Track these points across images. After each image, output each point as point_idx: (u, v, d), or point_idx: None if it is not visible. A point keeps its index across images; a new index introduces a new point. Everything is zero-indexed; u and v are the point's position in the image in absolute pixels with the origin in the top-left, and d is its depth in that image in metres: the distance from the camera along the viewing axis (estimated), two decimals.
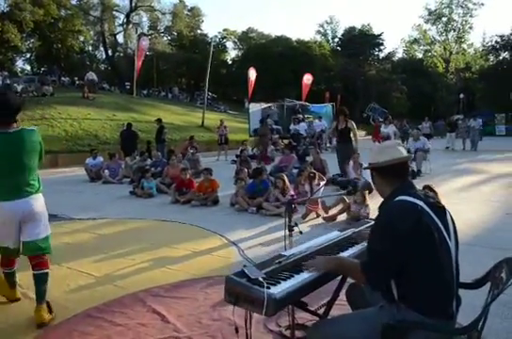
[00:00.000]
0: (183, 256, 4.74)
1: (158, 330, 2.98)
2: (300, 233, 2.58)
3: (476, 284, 2.09)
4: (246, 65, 28.70)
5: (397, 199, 1.90)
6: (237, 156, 13.82)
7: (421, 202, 1.86)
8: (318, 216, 6.56)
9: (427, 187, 5.50)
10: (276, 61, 39.41)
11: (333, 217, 6.23)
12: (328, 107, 25.18)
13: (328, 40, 52.25)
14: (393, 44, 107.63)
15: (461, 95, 37.29)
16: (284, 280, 1.99)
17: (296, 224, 2.58)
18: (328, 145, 20.85)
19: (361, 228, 2.82)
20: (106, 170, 11.00)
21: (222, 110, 35.07)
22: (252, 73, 23.05)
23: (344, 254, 2.36)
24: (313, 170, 7.07)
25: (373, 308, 2.00)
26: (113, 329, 3.01)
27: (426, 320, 1.80)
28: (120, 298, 3.55)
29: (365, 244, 2.51)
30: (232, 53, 52.92)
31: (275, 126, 22.02)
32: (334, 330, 1.94)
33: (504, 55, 41.43)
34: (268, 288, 1.86)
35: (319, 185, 6.75)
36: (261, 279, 1.92)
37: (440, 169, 11.91)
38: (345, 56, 45.25)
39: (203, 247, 5.11)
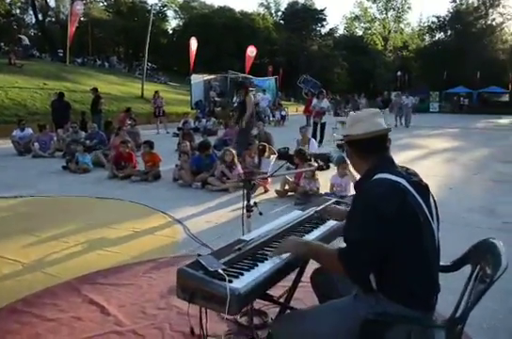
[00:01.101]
0: (123, 237, 4.33)
1: (97, 325, 2.60)
2: (260, 214, 2.28)
3: (454, 267, 1.90)
4: (187, 35, 27.56)
5: (377, 177, 1.64)
6: (179, 129, 13.27)
7: (403, 181, 1.63)
8: (266, 191, 6.34)
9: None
10: (218, 32, 38.28)
11: (287, 192, 6.03)
12: (271, 81, 24.85)
13: (271, 14, 51.50)
14: (336, 21, 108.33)
15: (399, 73, 38.32)
16: (247, 270, 1.70)
17: (256, 204, 2.27)
18: (271, 119, 20.74)
19: (323, 206, 2.57)
20: (36, 143, 10.06)
21: (163, 81, 33.71)
22: (193, 44, 22.10)
23: (310, 237, 2.12)
24: (264, 143, 6.76)
25: (346, 298, 1.77)
26: (43, 325, 2.60)
27: (409, 312, 1.60)
28: (51, 287, 3.12)
29: (330, 224, 2.29)
30: (172, 22, 50.78)
31: (217, 99, 21.51)
32: (303, 325, 1.70)
33: (440, 35, 42.90)
34: (230, 282, 1.56)
35: (269, 158, 6.51)
36: (220, 271, 1.62)
37: None
38: (289, 30, 44.87)
39: (145, 226, 4.71)
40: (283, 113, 20.67)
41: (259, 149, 6.65)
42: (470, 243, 1.86)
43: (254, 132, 9.76)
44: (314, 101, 11.82)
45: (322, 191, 5.82)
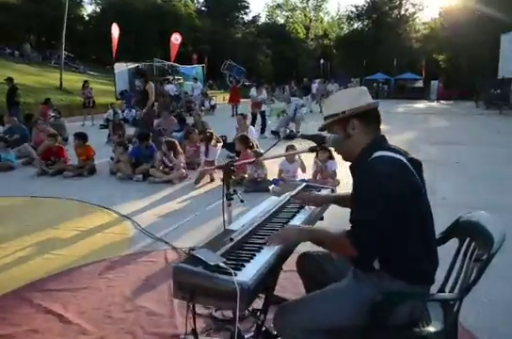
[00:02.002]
0: (68, 238, 3.99)
1: (59, 336, 2.34)
2: (241, 201, 2.16)
3: (440, 241, 1.92)
4: (105, 22, 26.17)
5: (378, 155, 1.60)
6: (108, 121, 12.61)
7: (403, 158, 1.61)
8: (212, 180, 6.19)
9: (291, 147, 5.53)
10: (139, 19, 36.72)
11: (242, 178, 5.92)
12: (198, 69, 24.41)
13: (192, 0, 50.35)
14: (258, 8, 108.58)
15: (322, 61, 39.33)
16: (247, 261, 1.59)
17: (236, 192, 2.15)
18: (202, 108, 20.39)
19: (297, 190, 2.52)
20: None
21: (82, 71, 31.90)
22: (115, 30, 20.99)
23: (295, 222, 2.04)
24: (210, 130, 6.58)
25: (346, 280, 1.74)
26: None
27: (412, 289, 1.62)
28: None
29: (311, 208, 2.23)
30: (88, 8, 47.89)
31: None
32: (307, 313, 1.64)
33: (358, 24, 44.55)
34: (235, 275, 1.44)
35: (216, 146, 6.35)
36: (222, 264, 1.49)
37: (313, 130, 12.26)
38: (212, 17, 44.20)
39: (90, 224, 4.39)
40: (212, 102, 20.40)
41: (205, 137, 6.46)
42: None
43: (191, 121, 9.56)
44: (253, 92, 11.70)
45: (270, 178, 5.79)
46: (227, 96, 19.76)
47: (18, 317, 2.54)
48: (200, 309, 2.61)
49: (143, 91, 7.97)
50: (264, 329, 2.13)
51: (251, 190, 5.53)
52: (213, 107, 19.80)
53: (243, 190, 5.56)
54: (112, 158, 7.39)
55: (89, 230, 4.21)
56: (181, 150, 6.52)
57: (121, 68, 20.72)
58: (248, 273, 1.49)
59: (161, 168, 6.31)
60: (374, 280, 1.64)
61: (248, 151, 5.99)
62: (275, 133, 11.20)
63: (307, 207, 2.27)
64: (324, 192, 2.55)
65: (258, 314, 2.16)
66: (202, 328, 2.37)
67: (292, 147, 5.53)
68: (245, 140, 6.08)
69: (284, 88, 20.04)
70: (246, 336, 2.26)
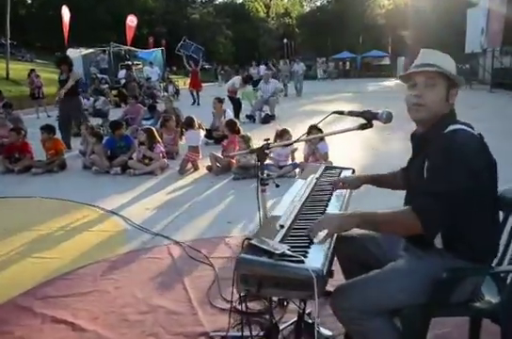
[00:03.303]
0: (54, 239, 3.79)
1: None
2: (277, 186, 2.08)
3: None
4: (51, 5, 25.08)
5: (456, 128, 1.59)
6: None
7: (477, 134, 1.63)
8: (196, 168, 6.07)
9: (313, 126, 5.51)
10: (87, 1, 35.40)
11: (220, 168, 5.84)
12: (157, 53, 23.82)
13: None
14: None
15: (285, 40, 39.20)
16: (308, 247, 1.54)
17: (270, 176, 2.06)
18: (163, 94, 20.00)
19: (320, 173, 2.49)
20: None
21: (28, 59, 30.60)
22: (66, 14, 20.12)
23: (333, 209, 1.98)
24: (190, 116, 6.43)
25: (403, 261, 1.72)
26: None
27: (476, 266, 1.63)
28: None
29: (341, 192, 2.18)
30: None
31: (100, 75, 20.11)
32: (367, 293, 1.62)
33: (321, 1, 44.56)
34: (302, 262, 1.40)
35: (198, 130, 6.23)
36: (289, 252, 1.45)
37: (289, 112, 12.33)
38: None
39: (75, 222, 4.22)
40: (175, 88, 19.99)
41: (185, 122, 6.32)
42: None
43: (162, 108, 9.35)
44: (231, 83, 11.56)
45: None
46: (188, 81, 19.30)
47: (22, 330, 2.38)
48: (219, 303, 2.55)
49: (66, 80, 7.77)
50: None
51: (241, 177, 5.46)
52: (177, 93, 19.43)
53: (232, 178, 5.51)
54: (81, 151, 7.15)
55: (76, 229, 4.03)
56: (159, 138, 6.35)
57: (75, 54, 19.91)
58: (316, 259, 1.45)
59: (140, 158, 6.13)
60: (436, 258, 1.63)
61: (236, 136, 5.89)
62: (250, 117, 11.11)
63: (338, 191, 2.24)
64: (346, 173, 2.52)
65: (299, 302, 2.11)
66: (233, 323, 2.29)
67: (315, 128, 5.43)
68: (232, 125, 5.98)
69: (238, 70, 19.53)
70: (281, 327, 2.22)
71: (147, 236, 3.76)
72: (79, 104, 8.12)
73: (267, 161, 5.55)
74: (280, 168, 5.52)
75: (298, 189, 2.21)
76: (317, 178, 2.38)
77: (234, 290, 1.50)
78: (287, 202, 2.00)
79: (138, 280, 2.93)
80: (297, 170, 5.52)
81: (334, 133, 2.11)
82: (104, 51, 21.05)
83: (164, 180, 5.73)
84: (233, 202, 4.64)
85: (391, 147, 7.38)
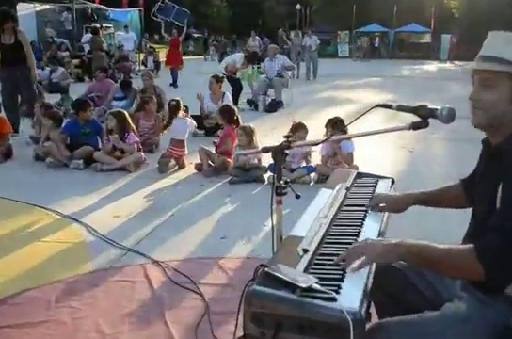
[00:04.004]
0: None
1: None
2: (297, 197, 2.05)
3: None
4: None
5: None
6: None
7: None
8: (181, 167, 6.05)
9: (338, 120, 5.50)
10: None
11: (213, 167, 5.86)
12: (133, 14, 23.81)
13: None
14: None
15: (298, 6, 39.25)
16: (341, 280, 1.53)
17: (288, 183, 2.03)
18: (140, 68, 20.01)
19: (351, 181, 2.50)
20: None
21: None
22: None
23: (370, 232, 1.97)
24: (176, 99, 6.40)
25: (463, 303, 1.72)
26: None
27: None
28: None
29: (378, 214, 2.17)
30: None
31: (59, 39, 20.11)
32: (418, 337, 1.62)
33: None
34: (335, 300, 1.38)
35: (185, 119, 6.22)
36: (317, 286, 1.43)
37: (301, 99, 12.35)
38: None
39: (22, 230, 4.21)
40: (155, 60, 19.97)
41: (170, 106, 6.29)
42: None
43: (138, 86, 9.32)
44: (231, 60, 11.54)
45: (265, 163, 5.68)
46: None
47: None
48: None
49: (15, 44, 7.74)
50: None
51: (239, 180, 5.45)
52: (157, 67, 19.40)
53: (227, 180, 5.50)
54: (32, 137, 7.11)
55: (23, 239, 4.00)
56: (133, 125, 6.32)
57: (26, 10, 19.89)
58: (352, 296, 1.43)
59: (109, 150, 6.12)
60: (502, 307, 1.62)
61: (234, 127, 5.88)
62: (251, 102, 11.10)
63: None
64: (384, 184, 2.51)
65: None
66: None
67: (338, 122, 5.40)
68: (230, 112, 5.96)
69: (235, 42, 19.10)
70: None
71: (116, 252, 3.74)
72: (30, 74, 8.04)
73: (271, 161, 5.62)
74: (292, 171, 5.49)
75: (324, 203, 2.19)
76: (347, 188, 2.37)
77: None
78: (310, 219, 1.98)
79: (105, 309, 2.90)
80: (313, 175, 5.49)
81: (376, 132, 2.07)
82: (67, 8, 21.05)
83: (139, 179, 5.72)
84: (230, 213, 4.64)
85: (431, 149, 7.43)
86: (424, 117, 1.77)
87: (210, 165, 5.82)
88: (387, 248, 1.62)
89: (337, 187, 2.38)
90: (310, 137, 5.70)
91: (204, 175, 5.73)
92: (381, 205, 2.16)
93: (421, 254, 1.61)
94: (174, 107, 6.28)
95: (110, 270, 3.42)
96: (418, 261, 1.66)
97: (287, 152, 2.06)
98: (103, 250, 3.78)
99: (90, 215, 4.53)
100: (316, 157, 5.73)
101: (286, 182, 2.05)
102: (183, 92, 10.38)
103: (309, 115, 9.24)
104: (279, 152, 1.99)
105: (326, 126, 5.51)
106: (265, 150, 2.09)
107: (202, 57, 32.36)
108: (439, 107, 1.73)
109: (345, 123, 5.49)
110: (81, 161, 6.05)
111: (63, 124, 6.55)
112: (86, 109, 6.45)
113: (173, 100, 6.45)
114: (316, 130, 5.91)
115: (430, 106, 1.76)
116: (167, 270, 3.38)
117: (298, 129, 5.51)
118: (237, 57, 11.70)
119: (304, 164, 5.63)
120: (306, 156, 5.67)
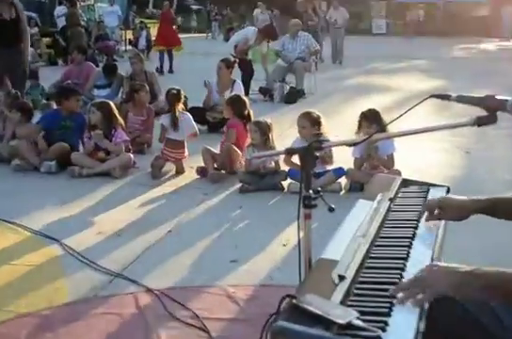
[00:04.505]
0: None
1: None
2: (330, 210, 2.07)
3: None
4: None
5: None
6: None
7: None
8: (180, 171, 6.13)
9: (375, 114, 5.52)
10: None
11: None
12: None
13: None
14: None
15: None
16: (388, 315, 1.54)
17: (319, 193, 2.05)
18: (127, 48, 20.19)
19: (395, 190, 2.51)
20: None
21: None
22: None
23: (422, 253, 1.99)
24: (177, 88, 6.44)
25: None
26: None
27: None
28: None
29: (431, 227, 2.19)
30: None
31: (27, 13, 20.24)
32: None
33: None
34: None
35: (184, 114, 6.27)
36: (359, 322, 1.44)
37: (325, 87, 12.41)
38: None
39: None
40: (148, 38, 20.10)
41: (169, 97, 6.32)
42: None
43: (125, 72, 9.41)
44: (241, 36, 11.53)
45: (284, 167, 5.69)
46: None
47: None
48: None
49: (9, 22, 7.88)
50: None
51: (253, 188, 5.49)
52: (148, 48, 19.50)
53: (237, 188, 5.54)
54: None
55: None
56: (121, 120, 6.35)
57: None
58: (402, 336, 1.44)
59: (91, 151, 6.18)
60: None
61: (245, 122, 5.96)
62: (265, 91, 11.11)
63: (423, 220, 2.23)
64: (438, 193, 2.52)
65: None
66: None
67: (376, 116, 5.42)
68: (240, 104, 5.99)
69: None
70: None
71: (101, 278, 3.76)
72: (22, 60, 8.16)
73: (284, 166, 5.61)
74: (316, 176, 5.47)
75: (362, 217, 2.21)
76: (391, 199, 2.39)
77: None
78: (345, 238, 2.00)
79: None
80: (344, 182, 5.49)
81: (430, 129, 2.08)
82: None
83: (128, 187, 5.78)
84: (241, 229, 4.67)
85: (493, 149, 7.35)
86: (491, 110, 1.77)
87: (215, 168, 5.85)
88: (464, 278, 1.64)
89: (378, 198, 2.40)
90: (339, 135, 5.72)
91: (211, 180, 5.77)
92: (437, 212, 2.17)
93: (500, 285, 1.63)
94: (174, 98, 6.29)
95: (93, 300, 3.44)
96: (499, 295, 1.68)
97: (317, 154, 2.07)
98: (83, 275, 3.81)
99: (67, 231, 4.57)
100: (345, 158, 5.68)
101: (317, 191, 2.05)
102: (177, 79, 10.43)
103: (336, 107, 9.31)
104: (308, 154, 1.99)
105: (359, 121, 5.51)
106: (290, 151, 2.11)
107: (200, 35, 32.56)
108: (509, 98, 1.74)
109: (384, 117, 5.49)
110: (53, 163, 6.10)
111: (40, 116, 6.63)
112: (72, 98, 6.56)
113: (173, 89, 6.45)
114: (345, 125, 5.91)
115: (499, 97, 1.77)
116: (163, 301, 3.39)
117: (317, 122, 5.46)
118: (249, 33, 11.60)
119: (328, 166, 5.59)
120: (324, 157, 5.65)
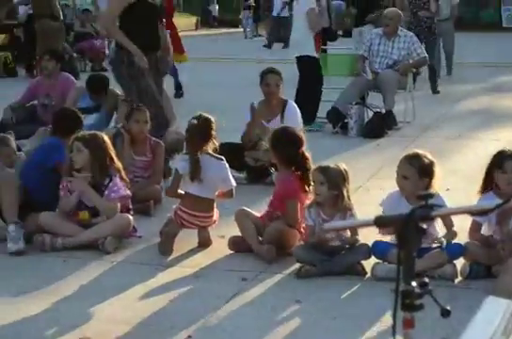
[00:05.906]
0: None
1: None
2: (446, 314, 2.07)
3: None
4: None
5: None
6: None
7: None
8: (205, 243, 6.20)
9: None
10: None
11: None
12: None
13: None
14: None
15: None
16: None
17: (427, 286, 2.05)
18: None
19: None
20: None
21: None
22: None
23: None
24: (204, 115, 6.51)
25: None
26: None
27: None
28: None
29: None
30: None
31: None
32: None
33: None
34: None
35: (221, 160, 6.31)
36: None
37: (429, 112, 12.44)
38: None
39: None
40: None
41: (191, 129, 6.27)
42: None
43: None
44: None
45: (363, 239, 5.64)
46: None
47: None
48: None
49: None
50: None
51: (318, 272, 5.50)
52: None
53: (294, 272, 5.52)
54: None
55: None
56: (119, 164, 6.39)
57: None
58: None
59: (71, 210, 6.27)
60: None
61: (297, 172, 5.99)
62: (336, 118, 11.09)
63: None
64: None
65: None
66: None
67: None
68: (289, 145, 5.99)
69: None
70: None
71: None
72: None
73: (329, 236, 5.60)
74: (418, 253, 5.45)
75: (495, 324, 2.20)
76: None
77: None
78: None
79: None
80: (460, 264, 5.44)
81: None
82: None
83: (125, 268, 5.83)
84: (299, 336, 4.62)
85: None
86: None
87: (260, 241, 5.84)
88: None
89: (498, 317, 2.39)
90: (452, 188, 5.68)
91: (265, 256, 5.76)
92: None
93: None
94: (199, 132, 6.25)
95: None
96: None
97: (424, 226, 2.04)
98: None
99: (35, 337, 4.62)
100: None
101: (424, 284, 2.03)
102: (196, 99, 10.51)
103: (445, 144, 9.26)
104: (410, 226, 1.97)
105: (488, 168, 5.44)
106: (382, 222, 2.09)
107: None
108: None
109: None
110: (13, 227, 6.09)
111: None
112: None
113: (199, 117, 6.36)
114: (460, 173, 5.87)
115: None
116: None
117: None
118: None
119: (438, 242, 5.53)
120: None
